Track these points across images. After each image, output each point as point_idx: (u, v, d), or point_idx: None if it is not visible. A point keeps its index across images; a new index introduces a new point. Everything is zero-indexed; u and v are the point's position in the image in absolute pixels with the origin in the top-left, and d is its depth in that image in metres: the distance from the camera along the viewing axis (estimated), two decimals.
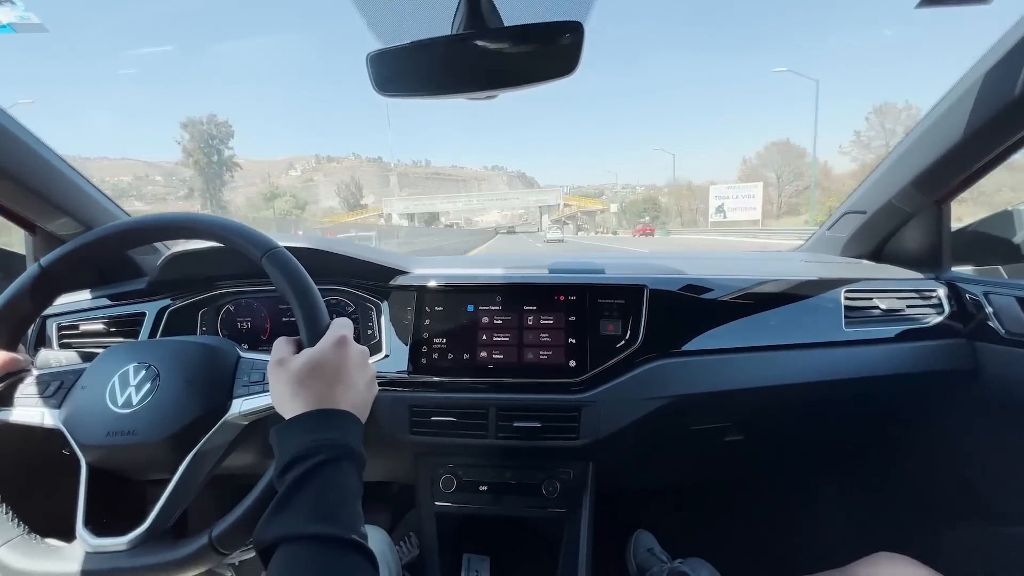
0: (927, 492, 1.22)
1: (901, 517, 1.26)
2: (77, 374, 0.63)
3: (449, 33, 0.67)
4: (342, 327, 0.56)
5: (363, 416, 0.53)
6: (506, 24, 0.67)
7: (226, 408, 0.60)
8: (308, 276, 0.58)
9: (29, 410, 0.60)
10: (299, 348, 0.55)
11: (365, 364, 0.56)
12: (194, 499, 0.59)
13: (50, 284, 0.62)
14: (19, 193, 0.91)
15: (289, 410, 0.50)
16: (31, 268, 0.61)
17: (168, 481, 0.57)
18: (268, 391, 0.57)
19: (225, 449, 0.61)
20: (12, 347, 0.62)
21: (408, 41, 0.67)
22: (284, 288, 0.57)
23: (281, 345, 0.55)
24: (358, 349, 0.55)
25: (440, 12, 0.68)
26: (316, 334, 0.55)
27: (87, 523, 0.56)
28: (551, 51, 0.66)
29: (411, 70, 0.70)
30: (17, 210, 0.95)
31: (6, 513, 0.58)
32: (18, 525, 0.57)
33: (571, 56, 0.65)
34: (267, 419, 0.59)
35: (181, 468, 0.57)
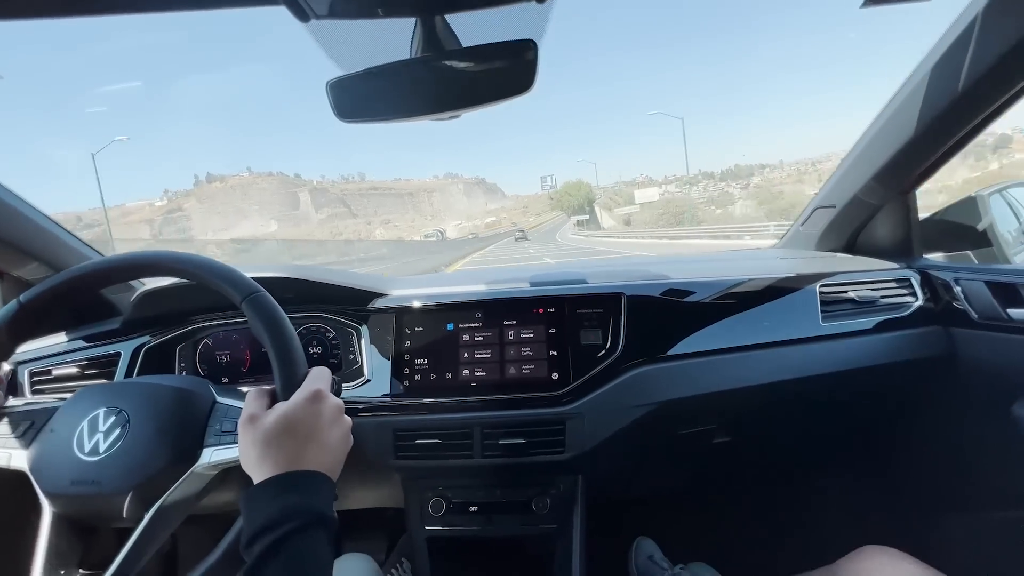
0: (914, 481, 1.23)
1: (891, 508, 1.26)
2: (49, 413, 0.61)
3: (408, 57, 0.68)
4: (318, 379, 0.54)
5: (335, 474, 0.51)
6: (463, 45, 0.68)
7: (195, 457, 0.58)
8: (288, 323, 0.57)
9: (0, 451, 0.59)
10: (273, 400, 0.53)
11: (339, 419, 0.54)
12: (181, 537, 0.58)
13: (28, 321, 0.60)
14: None
15: (257, 472, 0.48)
16: (10, 304, 0.59)
17: (134, 529, 0.55)
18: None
19: (192, 500, 0.59)
20: None
21: (366, 67, 0.68)
22: (262, 335, 0.56)
23: (253, 400, 0.53)
24: (333, 404, 0.54)
25: (397, 36, 0.69)
26: (291, 386, 0.53)
27: (45, 572, 0.54)
28: (508, 69, 0.67)
29: (372, 95, 0.71)
30: None
31: None
32: None
33: (527, 73, 0.66)
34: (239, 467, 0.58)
35: (144, 520, 0.55)
